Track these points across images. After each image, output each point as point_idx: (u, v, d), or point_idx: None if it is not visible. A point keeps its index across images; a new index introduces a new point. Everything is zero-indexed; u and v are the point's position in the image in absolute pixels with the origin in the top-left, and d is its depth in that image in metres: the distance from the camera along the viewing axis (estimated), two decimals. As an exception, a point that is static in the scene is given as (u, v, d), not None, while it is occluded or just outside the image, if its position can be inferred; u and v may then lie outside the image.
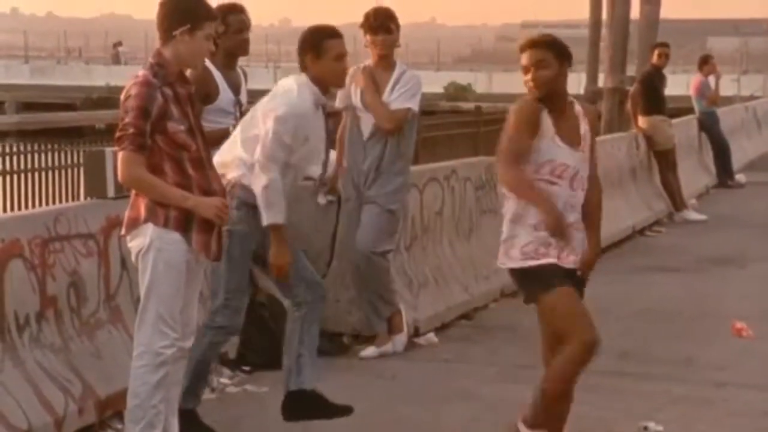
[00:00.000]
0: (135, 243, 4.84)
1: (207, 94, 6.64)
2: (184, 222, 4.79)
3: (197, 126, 4.91)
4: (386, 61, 6.98)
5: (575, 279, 4.99)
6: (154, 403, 4.82)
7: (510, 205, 4.96)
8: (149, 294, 4.80)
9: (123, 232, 4.93)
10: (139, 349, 4.83)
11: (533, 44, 4.93)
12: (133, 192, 4.87)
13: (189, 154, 4.80)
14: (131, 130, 4.70)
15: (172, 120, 4.75)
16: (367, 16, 6.98)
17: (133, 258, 4.91)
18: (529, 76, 4.92)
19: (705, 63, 16.10)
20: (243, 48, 6.88)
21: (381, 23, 6.91)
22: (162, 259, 4.77)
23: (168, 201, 4.77)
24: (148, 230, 4.78)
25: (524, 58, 4.94)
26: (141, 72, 4.83)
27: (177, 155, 4.78)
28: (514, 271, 5.06)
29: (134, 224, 4.83)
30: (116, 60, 51.12)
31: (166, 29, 4.82)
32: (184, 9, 4.81)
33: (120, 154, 4.74)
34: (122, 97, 4.78)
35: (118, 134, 4.75)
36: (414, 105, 6.92)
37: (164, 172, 4.77)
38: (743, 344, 7.47)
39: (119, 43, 53.57)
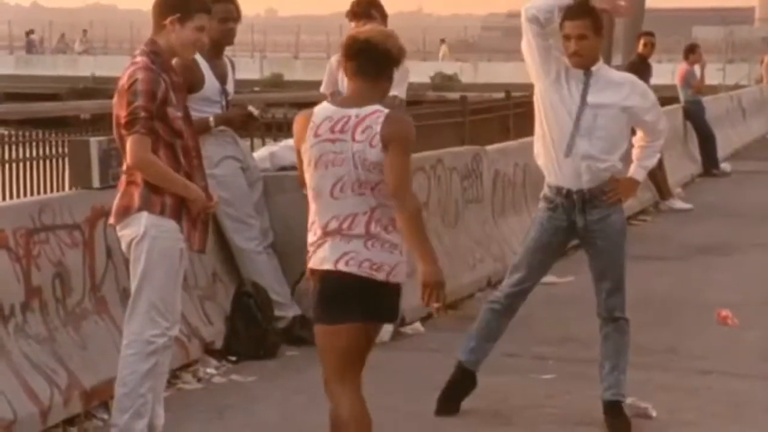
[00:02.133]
0: (127, 231, 4.83)
1: (192, 83, 6.63)
2: (179, 210, 4.81)
3: (189, 116, 4.93)
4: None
5: None
6: (142, 392, 4.82)
7: None
8: (143, 282, 4.80)
9: (112, 220, 4.92)
10: (130, 337, 4.83)
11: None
12: (123, 180, 4.86)
13: (181, 141, 4.82)
14: (143, 114, 4.71)
15: (171, 106, 4.77)
16: (352, 4, 6.99)
17: (123, 247, 4.90)
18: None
19: (691, 52, 16.12)
20: (228, 37, 6.87)
21: (363, 10, 6.90)
22: (157, 248, 4.77)
23: (171, 187, 4.78)
24: (143, 218, 4.78)
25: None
26: (139, 58, 4.82)
27: (172, 142, 4.80)
28: None
29: (126, 212, 4.82)
30: (29, 49, 50.49)
31: (158, 17, 4.82)
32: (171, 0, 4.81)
33: (132, 137, 4.73)
34: (124, 82, 4.75)
35: (129, 118, 4.73)
36: (400, 93, 6.92)
37: (159, 157, 4.78)
38: (728, 332, 7.50)
39: (31, 31, 52.71)
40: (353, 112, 4.14)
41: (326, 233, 4.16)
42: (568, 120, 5.41)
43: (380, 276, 4.18)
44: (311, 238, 4.22)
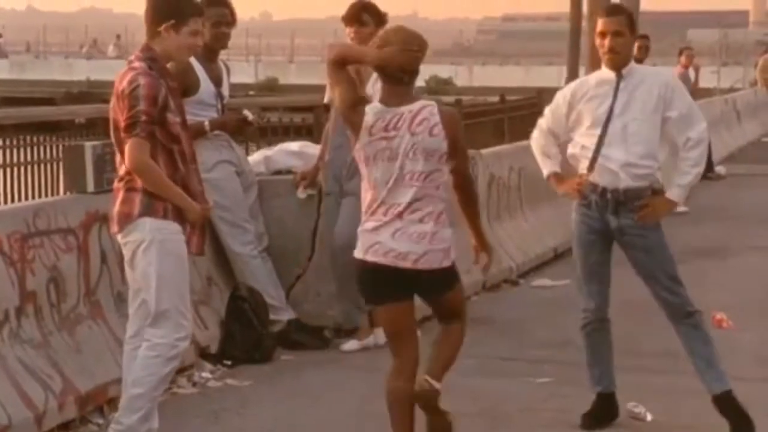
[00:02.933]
0: (131, 238, 4.82)
1: (187, 86, 6.64)
2: (181, 213, 4.84)
3: (185, 121, 4.94)
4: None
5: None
6: (156, 395, 4.87)
7: None
8: (161, 288, 4.78)
9: (115, 228, 4.89)
10: (154, 340, 4.83)
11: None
12: (122, 186, 4.85)
13: (179, 147, 4.82)
14: (144, 117, 4.71)
15: (170, 111, 4.77)
16: (347, 8, 6.98)
17: (127, 254, 4.88)
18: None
19: (679, 54, 16.25)
20: (221, 41, 6.87)
21: (353, 14, 6.88)
22: (167, 251, 4.77)
23: (165, 195, 4.78)
24: (146, 224, 4.77)
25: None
26: (137, 63, 4.81)
27: (170, 147, 4.81)
28: None
29: (128, 219, 4.81)
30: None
31: (151, 24, 4.82)
32: (169, 4, 4.82)
33: (131, 140, 4.73)
34: (125, 86, 4.74)
35: (129, 121, 4.73)
36: None
37: (158, 163, 4.78)
38: (724, 336, 7.48)
39: None
40: (405, 109, 4.61)
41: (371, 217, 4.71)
42: (596, 130, 5.37)
43: (406, 264, 4.62)
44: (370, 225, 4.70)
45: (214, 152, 6.85)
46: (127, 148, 4.74)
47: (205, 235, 5.03)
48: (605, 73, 5.45)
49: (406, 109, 4.60)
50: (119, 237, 4.88)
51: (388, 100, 4.63)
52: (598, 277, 5.57)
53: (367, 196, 4.69)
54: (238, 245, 6.93)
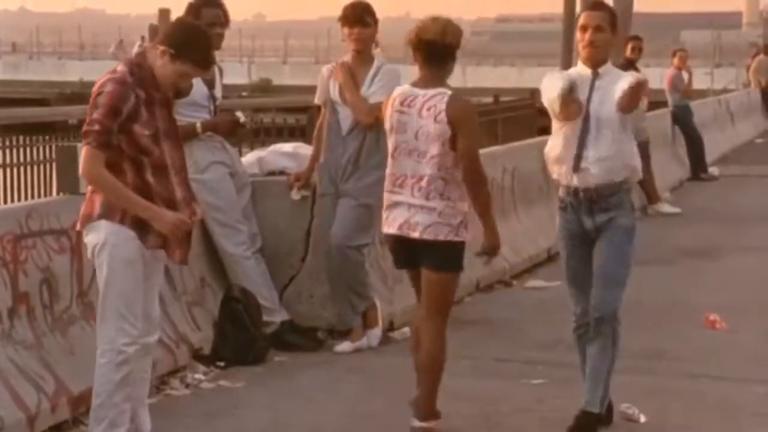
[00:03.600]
0: (89, 239, 4.84)
1: (180, 88, 6.63)
2: (141, 222, 4.76)
3: (168, 131, 4.85)
4: (363, 55, 6.95)
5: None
6: (116, 401, 4.79)
7: None
8: (108, 291, 4.78)
9: (78, 226, 4.92)
10: (102, 347, 4.81)
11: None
12: (89, 187, 4.86)
13: (150, 159, 4.75)
14: (97, 127, 4.67)
15: (139, 123, 4.71)
16: (344, 9, 6.95)
17: (88, 253, 4.90)
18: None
19: (672, 55, 16.28)
20: (214, 42, 6.85)
21: (358, 16, 6.88)
22: (118, 256, 4.74)
23: (125, 205, 4.75)
24: (102, 227, 4.77)
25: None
26: (119, 67, 4.80)
27: (137, 158, 4.73)
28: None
29: (88, 219, 4.83)
30: None
31: (159, 36, 4.83)
32: (181, 36, 4.79)
33: (84, 149, 4.74)
34: (95, 89, 4.74)
35: (84, 128, 4.74)
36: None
37: (123, 172, 4.73)
38: (716, 336, 7.50)
39: None
40: (421, 92, 5.26)
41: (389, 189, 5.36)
42: (574, 131, 5.31)
43: (414, 234, 5.22)
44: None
45: (207, 153, 6.85)
46: (81, 156, 4.76)
47: (188, 244, 4.96)
48: (581, 69, 5.38)
49: (422, 92, 5.25)
50: (83, 235, 4.90)
51: (417, 82, 5.31)
52: (581, 282, 5.48)
53: (388, 168, 5.39)
54: (231, 246, 6.92)
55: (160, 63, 4.77)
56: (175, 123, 4.96)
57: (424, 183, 5.22)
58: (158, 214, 4.77)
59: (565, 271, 5.57)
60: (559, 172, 5.42)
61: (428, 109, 5.18)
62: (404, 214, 5.26)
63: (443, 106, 5.16)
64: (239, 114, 7.10)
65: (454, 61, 5.34)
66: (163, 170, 4.79)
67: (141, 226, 4.78)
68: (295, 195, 7.24)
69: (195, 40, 4.80)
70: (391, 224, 5.33)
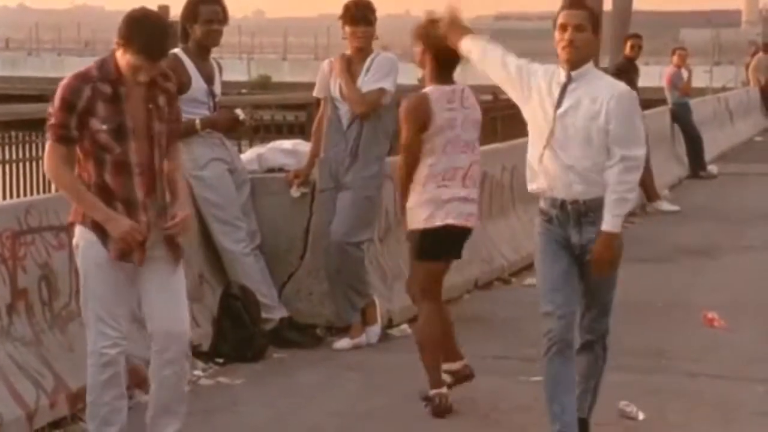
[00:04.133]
0: (74, 240, 4.83)
1: (179, 84, 6.62)
2: (101, 227, 4.68)
3: (143, 130, 4.66)
4: (364, 53, 6.94)
5: None
6: (106, 400, 4.78)
7: None
8: (85, 294, 4.76)
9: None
10: (88, 348, 4.80)
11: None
12: None
13: (111, 156, 4.62)
14: (52, 120, 4.64)
15: (95, 117, 4.59)
16: (347, 7, 6.91)
17: None
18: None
19: (672, 53, 16.29)
20: (211, 39, 6.86)
21: (362, 15, 6.87)
22: (88, 259, 4.71)
23: (77, 204, 4.69)
24: (77, 230, 4.75)
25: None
26: (91, 63, 4.76)
27: (98, 155, 4.63)
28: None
29: (71, 223, 4.82)
30: None
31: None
32: (125, 26, 4.63)
33: (47, 144, 4.71)
34: None
35: (47, 123, 4.69)
36: (387, 85, 6.85)
37: (87, 170, 4.67)
38: (715, 335, 7.50)
39: None
40: (449, 88, 5.76)
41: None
42: (543, 130, 4.93)
43: (469, 224, 5.80)
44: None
45: (206, 150, 6.85)
46: None
47: (144, 249, 4.72)
48: (557, 70, 4.94)
49: (450, 87, 5.74)
50: None
51: (443, 80, 5.75)
52: (565, 289, 4.98)
53: (435, 164, 5.66)
54: (230, 243, 6.92)
55: (119, 56, 4.66)
56: (160, 123, 4.71)
57: (472, 171, 5.78)
58: (110, 218, 4.64)
59: (547, 282, 4.99)
60: (540, 182, 5.03)
61: (466, 98, 5.76)
62: (458, 206, 5.69)
63: (472, 96, 5.82)
64: (238, 111, 7.10)
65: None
66: (125, 169, 4.63)
67: (101, 231, 4.68)
68: (295, 192, 7.24)
69: (137, 28, 4.58)
70: (443, 217, 5.64)
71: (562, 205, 4.97)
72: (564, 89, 4.88)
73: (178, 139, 4.95)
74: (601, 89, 4.87)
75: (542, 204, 5.08)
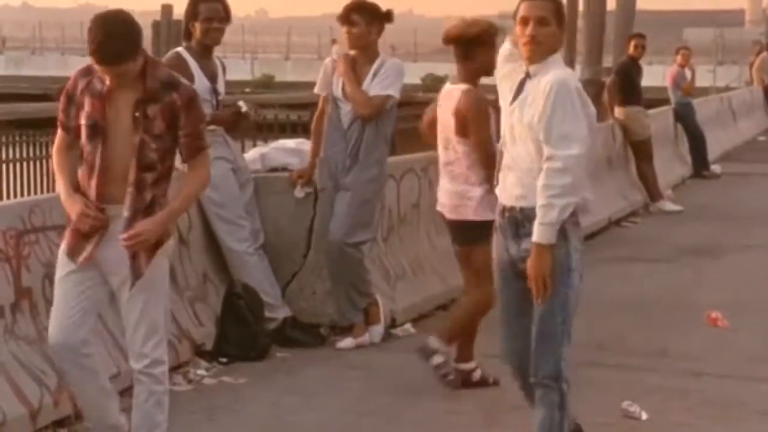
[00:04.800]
0: None
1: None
2: (70, 236, 4.63)
3: (118, 135, 4.51)
4: (364, 52, 6.92)
5: None
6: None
7: None
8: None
9: None
10: None
11: None
12: None
13: (84, 152, 4.60)
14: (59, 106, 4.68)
15: (83, 111, 4.56)
16: (342, 8, 6.96)
17: None
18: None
19: (675, 53, 16.31)
20: (210, 37, 6.87)
21: (343, 15, 6.87)
22: (59, 262, 4.71)
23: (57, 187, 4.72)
24: None
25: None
26: None
27: (82, 147, 4.61)
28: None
29: None
30: None
31: None
32: (88, 29, 4.52)
33: None
34: None
35: None
36: (394, 92, 6.85)
37: (78, 159, 4.68)
38: (718, 334, 7.50)
39: None
40: (449, 87, 6.01)
41: None
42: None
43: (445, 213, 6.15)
44: None
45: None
46: None
47: (94, 244, 4.56)
48: (520, 68, 4.53)
49: (448, 87, 6.00)
50: None
51: (454, 78, 5.99)
52: (517, 319, 4.55)
53: None
54: (234, 242, 6.92)
55: None
56: (146, 134, 4.50)
57: (452, 168, 6.02)
58: (68, 197, 4.61)
59: (500, 310, 4.68)
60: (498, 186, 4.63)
61: (447, 100, 6.01)
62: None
63: (456, 99, 5.94)
64: (241, 103, 7.06)
65: (481, 61, 5.88)
66: (89, 167, 4.58)
67: (67, 236, 4.63)
68: (299, 192, 7.25)
69: (90, 31, 4.46)
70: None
71: (503, 211, 4.54)
72: (521, 85, 4.48)
73: (197, 153, 4.62)
74: (546, 82, 4.36)
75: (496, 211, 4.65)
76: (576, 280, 4.40)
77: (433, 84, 37.16)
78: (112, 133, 4.53)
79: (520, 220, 4.44)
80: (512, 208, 4.46)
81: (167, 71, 4.59)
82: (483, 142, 5.82)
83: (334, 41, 52.96)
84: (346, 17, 6.85)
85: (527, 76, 4.46)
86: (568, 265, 4.37)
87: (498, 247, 4.58)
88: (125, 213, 4.52)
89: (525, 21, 4.40)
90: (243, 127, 7.48)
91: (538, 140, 4.35)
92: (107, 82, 4.49)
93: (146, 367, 4.62)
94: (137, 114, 4.50)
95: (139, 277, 4.57)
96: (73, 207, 4.59)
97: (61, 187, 4.66)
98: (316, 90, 7.11)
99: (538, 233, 4.31)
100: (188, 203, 4.92)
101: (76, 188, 4.62)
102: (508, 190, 4.49)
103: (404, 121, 13.94)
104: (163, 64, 4.81)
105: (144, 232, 4.52)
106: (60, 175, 4.68)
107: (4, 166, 11.73)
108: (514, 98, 4.48)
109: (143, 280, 4.57)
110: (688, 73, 16.09)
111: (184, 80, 4.64)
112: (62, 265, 4.67)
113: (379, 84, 6.83)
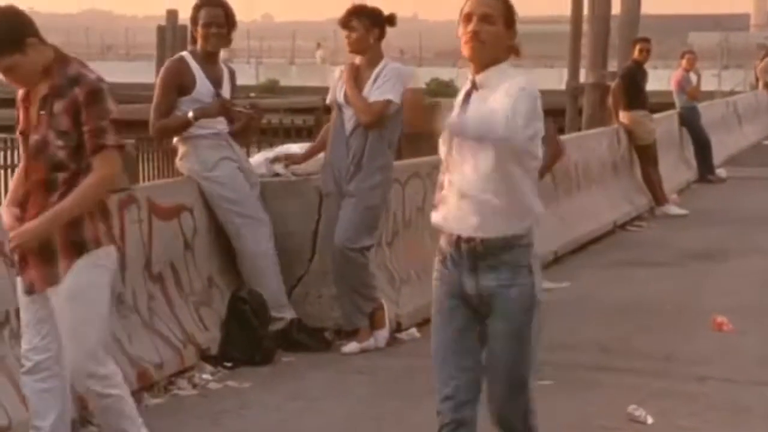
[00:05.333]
0: None
1: (183, 85, 6.70)
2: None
3: (31, 140, 4.44)
4: (366, 57, 6.93)
5: None
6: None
7: None
8: None
9: None
10: None
11: None
12: None
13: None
14: None
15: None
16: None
17: None
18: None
19: (680, 57, 16.33)
20: (210, 42, 6.88)
21: (343, 20, 6.89)
22: None
23: None
24: None
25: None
26: None
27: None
28: None
29: None
30: None
31: None
32: None
33: None
34: None
35: None
36: (393, 96, 6.83)
37: None
38: (724, 338, 7.49)
39: None
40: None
41: None
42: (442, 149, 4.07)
43: None
44: None
45: (213, 151, 6.86)
46: None
47: (33, 269, 4.44)
48: (468, 77, 4.08)
49: None
50: None
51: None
52: (455, 359, 4.04)
53: None
54: (253, 243, 6.88)
55: None
56: (49, 131, 4.38)
57: None
58: (5, 207, 4.55)
59: (436, 349, 4.09)
60: (439, 212, 4.09)
61: None
62: None
63: None
64: (224, 97, 6.94)
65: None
66: (28, 177, 4.49)
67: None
68: (277, 167, 7.27)
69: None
70: None
71: (457, 242, 4.00)
72: (467, 98, 4.00)
73: (96, 151, 4.38)
74: (511, 85, 3.86)
75: (441, 240, 4.10)
76: (536, 318, 3.98)
77: (438, 88, 37.18)
78: (31, 137, 4.45)
79: (480, 253, 3.95)
80: (471, 239, 3.94)
81: (77, 68, 4.42)
82: (553, 129, 6.49)
83: (318, 45, 53.07)
84: (346, 22, 6.87)
85: (473, 87, 3.99)
86: (533, 302, 3.97)
87: (444, 279, 4.04)
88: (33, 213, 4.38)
89: (468, 18, 3.96)
90: (228, 115, 7.18)
91: (491, 155, 3.85)
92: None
93: (81, 383, 4.51)
94: (42, 112, 4.39)
95: (53, 284, 4.41)
96: (5, 214, 4.52)
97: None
98: (327, 101, 7.15)
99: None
100: (79, 204, 4.40)
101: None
102: (463, 219, 3.95)
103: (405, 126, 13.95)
104: (78, 61, 4.54)
105: (23, 234, 4.38)
106: (12, 187, 4.63)
107: (8, 171, 11.72)
108: (460, 111, 3.97)
109: (68, 291, 4.40)
110: (693, 77, 16.09)
111: (93, 75, 4.41)
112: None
113: (379, 89, 6.84)
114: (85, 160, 4.38)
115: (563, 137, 11.10)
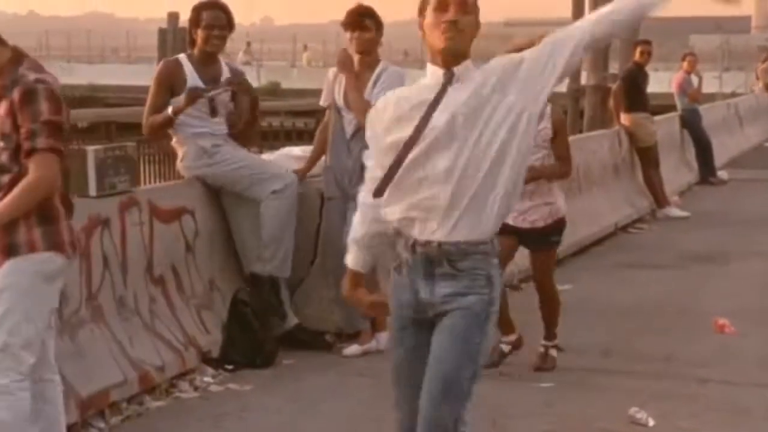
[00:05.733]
0: None
1: (174, 85, 6.71)
2: None
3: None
4: (367, 59, 6.94)
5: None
6: None
7: None
8: None
9: None
10: None
11: None
12: None
13: None
14: None
15: None
16: (346, 14, 6.97)
17: None
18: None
19: (682, 59, 16.31)
20: (211, 44, 6.88)
21: (355, 20, 6.89)
22: None
23: None
24: None
25: None
26: None
27: None
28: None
29: None
30: None
31: None
32: None
33: None
34: None
35: None
36: None
37: None
38: (725, 341, 7.49)
39: None
40: None
41: None
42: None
43: None
44: None
45: (210, 138, 6.88)
46: None
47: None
48: (434, 71, 3.66)
49: None
50: None
51: None
52: (414, 377, 3.75)
53: None
54: (261, 189, 6.86)
55: None
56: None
57: None
58: None
59: (393, 368, 3.92)
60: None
61: None
62: None
63: None
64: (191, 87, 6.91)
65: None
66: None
67: None
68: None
69: None
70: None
71: (413, 246, 3.67)
72: (443, 91, 3.60)
73: (29, 154, 4.26)
74: (484, 77, 3.60)
75: (396, 245, 3.78)
76: (492, 330, 3.66)
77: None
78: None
79: (435, 258, 3.61)
80: (426, 243, 3.60)
81: (24, 69, 4.29)
82: (569, 149, 6.70)
83: (305, 47, 52.97)
84: (359, 22, 6.86)
85: (448, 81, 3.59)
86: (488, 312, 3.62)
87: (398, 288, 3.75)
88: None
89: (443, 6, 3.57)
90: (195, 101, 7.09)
91: (460, 153, 3.54)
92: None
93: None
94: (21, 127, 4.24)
95: None
96: None
97: None
98: (321, 102, 7.14)
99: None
100: (11, 208, 4.28)
101: None
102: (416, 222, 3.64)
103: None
104: (32, 61, 4.41)
105: None
106: None
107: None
108: (432, 110, 3.57)
109: None
110: (694, 80, 16.09)
111: (34, 76, 4.28)
112: None
113: (381, 93, 6.83)
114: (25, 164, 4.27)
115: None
